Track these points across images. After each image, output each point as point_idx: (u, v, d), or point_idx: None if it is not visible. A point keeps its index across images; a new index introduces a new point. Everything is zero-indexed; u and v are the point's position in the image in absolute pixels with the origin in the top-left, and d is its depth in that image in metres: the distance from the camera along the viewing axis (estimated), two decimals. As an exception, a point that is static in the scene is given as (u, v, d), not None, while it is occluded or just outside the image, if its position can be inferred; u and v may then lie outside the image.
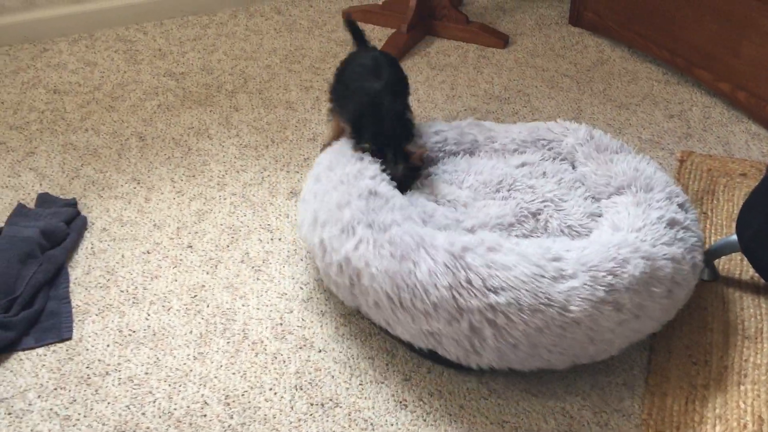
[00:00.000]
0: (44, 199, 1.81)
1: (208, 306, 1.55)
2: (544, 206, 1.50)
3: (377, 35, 2.57)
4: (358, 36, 1.84)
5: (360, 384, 1.40)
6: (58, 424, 1.32)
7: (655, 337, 1.47)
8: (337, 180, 1.48)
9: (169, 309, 1.55)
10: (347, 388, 1.39)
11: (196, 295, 1.58)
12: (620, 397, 1.37)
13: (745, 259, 1.61)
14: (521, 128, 1.72)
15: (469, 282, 1.26)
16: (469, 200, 1.53)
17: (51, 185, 1.88)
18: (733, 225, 1.70)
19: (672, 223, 1.41)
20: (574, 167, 1.64)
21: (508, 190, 1.56)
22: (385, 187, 1.46)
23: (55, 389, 1.39)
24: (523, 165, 1.63)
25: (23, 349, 1.46)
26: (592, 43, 2.52)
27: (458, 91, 2.28)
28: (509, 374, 1.41)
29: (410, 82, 2.29)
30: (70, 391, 1.38)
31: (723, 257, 1.62)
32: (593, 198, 1.55)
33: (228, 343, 1.48)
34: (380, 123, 1.54)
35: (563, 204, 1.51)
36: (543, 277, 1.26)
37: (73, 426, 1.32)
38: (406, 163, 1.54)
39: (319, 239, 1.42)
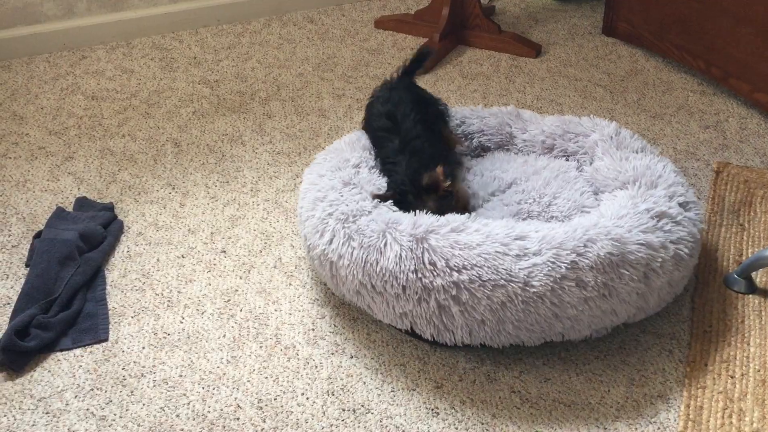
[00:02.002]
0: (82, 203, 1.84)
1: (241, 310, 1.57)
2: (530, 198, 1.60)
3: (410, 44, 2.58)
4: (415, 66, 1.81)
5: (392, 390, 1.40)
6: (94, 424, 1.34)
7: (690, 349, 1.46)
8: (316, 175, 1.59)
9: (203, 313, 1.57)
10: (379, 395, 1.40)
11: (229, 300, 1.60)
12: (656, 409, 1.36)
13: (784, 271, 1.59)
14: (554, 120, 1.79)
15: (433, 264, 1.34)
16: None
17: (89, 189, 1.92)
18: (771, 237, 1.68)
19: (660, 216, 1.44)
20: (580, 168, 1.70)
21: (503, 191, 1.66)
22: (364, 176, 1.56)
23: (92, 390, 1.41)
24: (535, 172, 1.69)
25: (61, 350, 1.48)
26: (626, 53, 2.50)
27: (490, 100, 2.28)
28: (542, 383, 1.41)
29: (442, 90, 2.32)
30: (106, 391, 1.40)
31: (760, 270, 1.60)
32: (594, 192, 1.61)
33: (261, 347, 1.49)
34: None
35: (551, 198, 1.59)
36: (506, 254, 1.34)
37: (109, 426, 1.34)
38: (433, 198, 1.50)
39: (303, 236, 1.53)
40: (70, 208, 1.83)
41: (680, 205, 1.48)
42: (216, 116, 2.22)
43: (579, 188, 1.61)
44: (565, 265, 1.33)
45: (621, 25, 2.55)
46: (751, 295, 1.57)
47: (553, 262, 1.33)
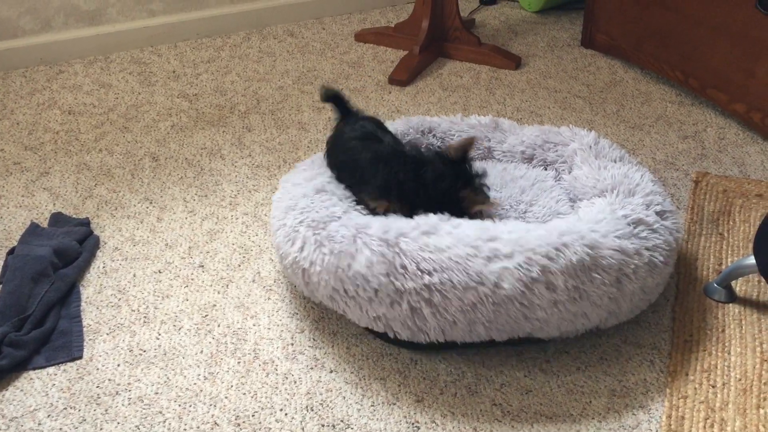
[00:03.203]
0: (57, 219, 1.82)
1: (218, 326, 1.54)
2: (507, 205, 1.61)
3: (390, 57, 2.58)
4: (342, 106, 1.70)
5: (372, 405, 1.38)
6: (67, 443, 1.31)
7: (671, 359, 1.45)
8: (290, 184, 1.59)
9: (179, 329, 1.54)
10: (359, 410, 1.38)
11: (207, 315, 1.57)
12: (637, 420, 1.35)
13: (763, 280, 1.59)
14: (534, 130, 1.79)
15: (404, 267, 1.35)
16: None
17: (64, 205, 1.89)
18: (750, 246, 1.68)
19: (637, 223, 1.45)
20: (558, 177, 1.71)
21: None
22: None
23: (65, 409, 1.38)
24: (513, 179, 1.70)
25: (34, 368, 1.45)
26: (605, 65, 2.51)
27: (471, 112, 2.28)
28: (523, 395, 1.39)
29: (423, 102, 2.32)
30: (80, 410, 1.37)
31: (740, 279, 1.60)
32: (571, 200, 1.61)
33: (239, 363, 1.47)
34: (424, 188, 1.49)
35: (527, 206, 1.60)
36: (476, 256, 1.34)
37: (82, 446, 1.31)
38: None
39: (276, 245, 1.53)
40: (45, 224, 1.81)
41: (657, 213, 1.49)
42: (195, 130, 2.20)
43: (555, 196, 1.62)
44: (537, 269, 1.33)
45: (599, 37, 2.57)
46: (731, 304, 1.57)
47: (524, 266, 1.33)
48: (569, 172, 1.68)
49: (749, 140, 2.11)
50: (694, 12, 2.20)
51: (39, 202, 1.90)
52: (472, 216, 1.49)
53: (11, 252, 1.68)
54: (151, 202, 1.90)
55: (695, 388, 1.39)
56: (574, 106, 2.29)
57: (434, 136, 1.82)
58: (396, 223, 1.41)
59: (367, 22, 2.86)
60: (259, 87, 2.42)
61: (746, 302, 1.57)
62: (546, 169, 1.74)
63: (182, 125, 2.22)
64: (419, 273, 1.34)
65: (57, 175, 2.00)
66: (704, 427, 1.32)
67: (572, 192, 1.63)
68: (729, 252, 1.70)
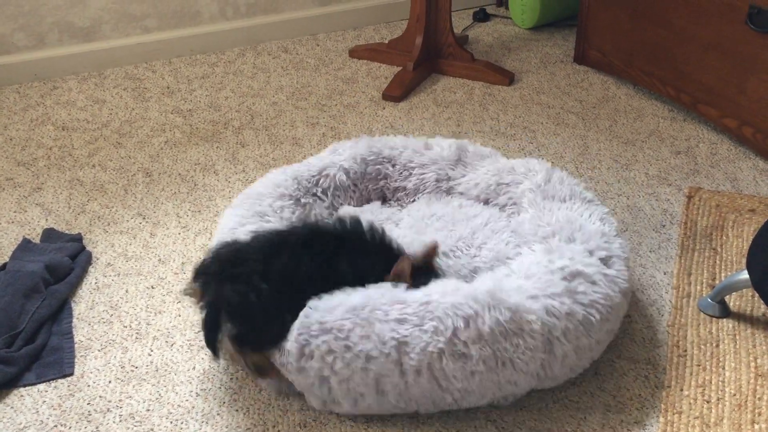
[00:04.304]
0: (49, 234, 1.81)
1: (211, 342, 1.53)
2: (456, 248, 1.55)
3: (384, 73, 2.59)
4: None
5: (365, 422, 1.37)
6: (57, 461, 1.30)
7: (665, 374, 1.45)
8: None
9: (172, 345, 1.53)
10: (352, 426, 1.36)
11: (199, 331, 1.56)
12: (632, 436, 1.34)
13: (757, 295, 1.59)
14: (490, 169, 1.72)
15: (307, 327, 1.28)
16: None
17: (57, 221, 1.88)
18: (743, 261, 1.69)
19: (574, 275, 1.37)
20: (509, 219, 1.66)
21: (437, 230, 1.60)
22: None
23: (56, 426, 1.36)
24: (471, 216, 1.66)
25: (24, 385, 1.44)
26: (597, 81, 2.53)
27: (464, 127, 2.29)
28: (518, 411, 1.38)
29: (416, 119, 2.33)
30: (70, 428, 1.36)
31: (734, 294, 1.60)
32: (518, 245, 1.55)
33: (231, 379, 1.45)
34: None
35: (477, 250, 1.54)
36: (384, 321, 1.26)
37: (73, 464, 1.29)
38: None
39: None
40: (37, 240, 1.80)
41: (601, 260, 1.42)
42: (188, 145, 2.20)
43: (505, 238, 1.56)
44: (444, 339, 1.25)
45: (592, 53, 2.58)
46: (725, 319, 1.57)
47: (431, 335, 1.25)
48: (518, 215, 1.63)
49: (741, 155, 2.12)
50: (684, 28, 2.22)
51: (31, 217, 1.89)
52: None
53: (2, 268, 1.67)
54: (144, 218, 1.90)
55: (690, 404, 1.39)
56: (567, 122, 2.30)
57: (393, 165, 1.76)
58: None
59: (361, 38, 2.87)
60: (253, 103, 2.42)
61: (740, 317, 1.57)
62: (502, 210, 1.69)
63: (176, 141, 2.22)
64: (323, 334, 1.26)
65: (50, 191, 2.00)
66: (699, 442, 1.31)
67: (518, 237, 1.57)
68: (722, 267, 1.71)
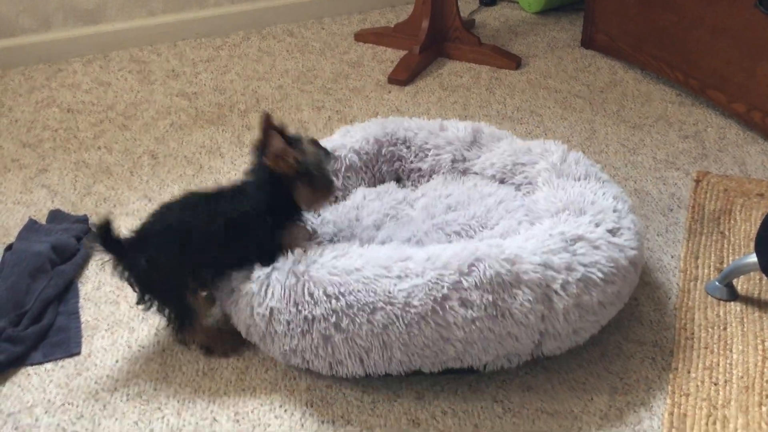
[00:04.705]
0: (55, 216, 1.81)
1: (217, 321, 1.53)
2: (468, 227, 1.55)
3: (390, 57, 2.58)
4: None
5: (372, 401, 1.37)
6: (64, 439, 1.30)
7: (673, 356, 1.44)
8: None
9: (178, 325, 1.53)
10: (358, 406, 1.37)
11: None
12: (639, 417, 1.34)
13: (764, 278, 1.59)
14: (506, 149, 1.72)
15: (311, 294, 1.31)
16: (408, 220, 1.60)
17: (63, 202, 1.88)
18: (751, 245, 1.68)
19: (576, 239, 1.39)
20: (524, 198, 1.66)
21: (450, 210, 1.61)
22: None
23: (63, 405, 1.36)
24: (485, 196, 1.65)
25: (31, 364, 1.44)
26: (605, 65, 2.51)
27: (470, 111, 2.28)
28: (524, 392, 1.38)
29: (423, 102, 2.31)
30: (77, 406, 1.36)
31: (742, 277, 1.60)
32: (530, 222, 1.55)
33: (238, 359, 1.45)
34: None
35: (490, 231, 1.54)
36: (386, 276, 1.31)
37: (80, 442, 1.30)
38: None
39: None
40: (43, 221, 1.79)
41: (608, 231, 1.42)
42: (194, 128, 2.19)
43: (518, 217, 1.56)
44: (447, 284, 1.29)
45: (599, 37, 2.57)
46: (732, 302, 1.56)
47: (435, 282, 1.29)
48: (533, 194, 1.63)
49: (750, 140, 2.11)
50: (693, 12, 2.20)
51: (37, 198, 1.89)
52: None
53: (9, 248, 1.67)
54: (150, 200, 1.89)
55: (697, 386, 1.38)
56: (575, 106, 2.29)
57: (408, 147, 1.77)
58: (311, 251, 1.37)
59: (366, 22, 2.86)
60: (258, 86, 2.41)
61: (748, 300, 1.56)
62: (518, 189, 1.69)
63: (181, 123, 2.21)
64: (325, 298, 1.30)
65: (55, 173, 1.99)
66: (706, 424, 1.31)
67: (531, 215, 1.57)
68: (730, 250, 1.70)
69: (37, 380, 1.41)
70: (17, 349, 1.43)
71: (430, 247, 1.39)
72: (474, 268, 1.30)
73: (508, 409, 1.36)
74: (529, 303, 1.31)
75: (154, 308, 1.39)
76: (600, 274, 1.36)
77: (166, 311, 1.39)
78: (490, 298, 1.29)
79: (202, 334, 1.43)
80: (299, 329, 1.32)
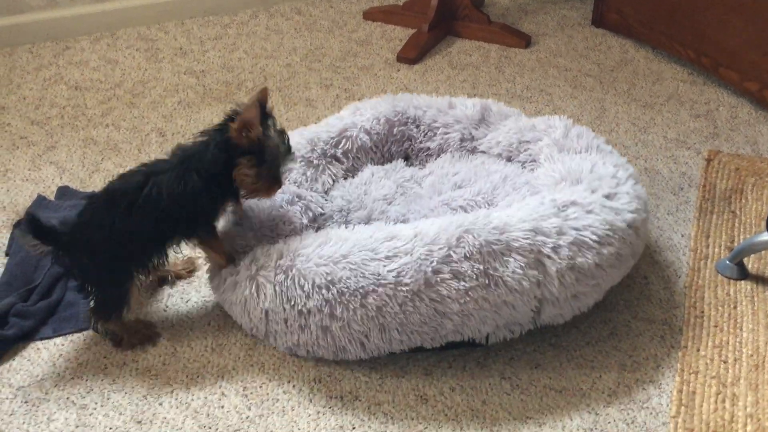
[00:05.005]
0: (64, 192, 1.81)
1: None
2: (474, 203, 1.54)
3: (398, 35, 2.56)
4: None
5: (380, 377, 1.37)
6: (74, 412, 1.31)
7: (682, 335, 1.44)
8: None
9: (187, 301, 1.53)
10: (366, 382, 1.37)
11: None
12: (648, 394, 1.34)
13: (776, 257, 1.58)
14: (512, 127, 1.71)
15: (302, 287, 1.30)
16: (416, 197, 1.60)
17: (71, 179, 1.88)
18: (762, 224, 1.66)
19: (568, 204, 1.38)
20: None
21: (457, 187, 1.60)
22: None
23: (72, 378, 1.37)
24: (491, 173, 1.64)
25: (41, 339, 1.45)
26: (616, 44, 2.49)
27: (480, 90, 2.26)
28: (532, 369, 1.38)
29: (431, 81, 2.30)
30: (87, 380, 1.37)
31: (752, 256, 1.58)
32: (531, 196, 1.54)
33: (246, 335, 1.46)
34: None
35: (491, 206, 1.53)
36: (374, 259, 1.30)
37: (90, 415, 1.30)
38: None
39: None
40: (52, 198, 1.80)
41: (605, 196, 1.41)
42: (202, 106, 2.19)
43: (523, 193, 1.55)
44: (437, 259, 1.29)
45: (611, 15, 2.54)
46: (743, 281, 1.55)
47: (425, 258, 1.29)
48: (535, 170, 1.62)
49: (762, 119, 2.09)
50: (707, -10, 2.17)
51: (46, 175, 1.89)
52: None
53: (18, 225, 1.68)
54: (158, 177, 1.89)
55: (707, 364, 1.38)
56: (585, 85, 2.27)
57: (417, 126, 1.76)
58: (294, 245, 1.36)
59: (375, 0, 2.83)
60: (266, 64, 2.40)
61: (758, 279, 1.55)
62: (524, 167, 1.68)
63: (189, 101, 2.21)
64: (317, 290, 1.29)
65: (64, 150, 1.99)
66: (715, 402, 1.31)
67: (533, 190, 1.56)
68: (741, 229, 1.68)
69: (47, 354, 1.42)
70: (27, 324, 1.44)
71: (417, 222, 1.39)
72: (462, 240, 1.31)
73: (516, 385, 1.36)
74: (521, 269, 1.31)
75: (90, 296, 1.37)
76: (594, 237, 1.36)
77: (97, 299, 1.36)
78: (481, 268, 1.30)
79: (116, 324, 1.39)
80: (297, 324, 1.32)
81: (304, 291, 1.31)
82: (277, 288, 1.32)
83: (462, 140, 1.74)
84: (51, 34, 2.52)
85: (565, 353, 1.42)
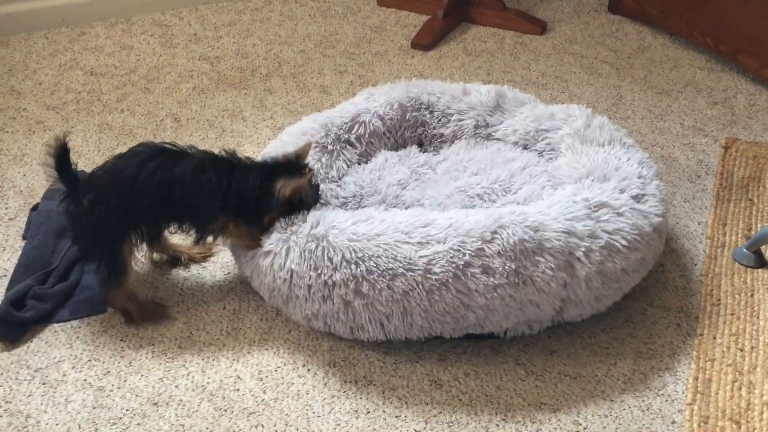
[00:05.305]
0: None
1: (241, 283, 1.54)
2: (491, 191, 1.53)
3: (413, 21, 2.54)
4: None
5: (394, 362, 1.38)
6: (92, 394, 1.32)
7: (698, 322, 1.43)
8: None
9: (202, 285, 1.54)
10: (381, 367, 1.37)
11: (229, 272, 1.57)
12: (663, 381, 1.33)
13: (794, 245, 1.56)
14: (529, 114, 1.69)
15: (330, 259, 1.30)
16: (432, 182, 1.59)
17: (87, 164, 1.89)
18: (781, 212, 1.65)
19: (600, 206, 1.37)
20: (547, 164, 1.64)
21: (473, 174, 1.59)
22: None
23: (89, 361, 1.38)
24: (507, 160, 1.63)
25: (58, 321, 1.46)
26: (633, 31, 2.46)
27: (495, 77, 2.25)
28: (547, 356, 1.38)
29: (446, 68, 2.29)
30: (104, 362, 1.38)
31: (770, 244, 1.57)
32: (553, 187, 1.53)
33: (261, 319, 1.46)
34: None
35: (513, 195, 1.52)
36: (407, 243, 1.29)
37: (107, 396, 1.32)
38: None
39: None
40: (68, 182, 1.80)
41: (633, 197, 1.40)
42: (216, 92, 2.19)
43: (542, 182, 1.54)
44: (470, 251, 1.28)
45: (627, 2, 2.51)
46: (760, 269, 1.54)
47: (457, 249, 1.28)
48: (555, 160, 1.61)
49: (780, 107, 2.07)
50: (726, -25, 2.15)
51: (62, 160, 1.90)
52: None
53: (35, 208, 1.69)
54: (173, 162, 1.90)
55: (723, 351, 1.37)
56: (601, 72, 2.25)
57: (431, 112, 1.75)
58: (329, 215, 1.37)
59: (389, -14, 2.81)
60: (280, 50, 2.40)
61: (776, 267, 1.54)
62: (540, 155, 1.66)
63: (203, 87, 2.21)
64: (345, 263, 1.29)
65: (79, 135, 2.00)
66: (731, 389, 1.30)
67: (553, 180, 1.55)
68: (759, 217, 1.67)
69: (64, 337, 1.43)
70: (44, 306, 1.45)
71: (452, 211, 1.38)
72: (497, 235, 1.29)
73: (531, 372, 1.36)
74: (551, 270, 1.30)
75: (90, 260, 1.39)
76: (624, 242, 1.34)
77: (100, 266, 1.38)
78: (513, 266, 1.28)
79: (125, 297, 1.41)
80: (320, 294, 1.32)
81: (332, 263, 1.30)
82: (306, 254, 1.32)
83: (476, 127, 1.73)
84: (66, 19, 2.52)
85: (580, 340, 1.41)
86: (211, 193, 1.33)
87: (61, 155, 1.34)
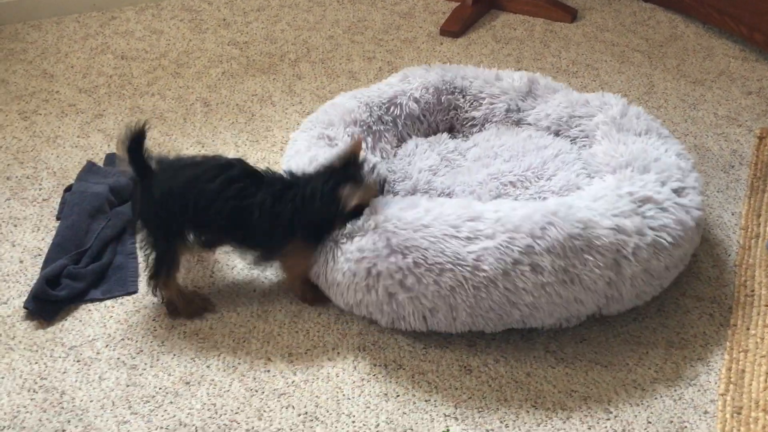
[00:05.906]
0: (112, 160, 1.83)
1: (272, 266, 1.55)
2: (524, 178, 1.52)
3: (441, 8, 2.53)
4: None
5: (424, 347, 1.38)
6: (125, 372, 1.34)
7: (732, 313, 1.42)
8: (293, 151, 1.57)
9: (233, 268, 1.55)
10: (410, 351, 1.37)
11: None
12: (696, 372, 1.32)
13: (831, 237, 1.54)
14: (562, 101, 1.68)
15: (374, 243, 1.28)
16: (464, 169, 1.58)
17: (118, 146, 1.91)
18: (817, 203, 1.62)
19: (644, 200, 1.35)
20: (580, 152, 1.62)
21: (505, 161, 1.58)
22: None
23: (123, 339, 1.40)
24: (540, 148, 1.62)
25: (91, 300, 1.48)
26: (665, 19, 2.43)
27: (524, 64, 2.23)
28: (578, 343, 1.38)
29: (475, 55, 2.27)
30: (137, 341, 1.40)
31: (805, 235, 1.55)
32: (588, 175, 1.51)
33: (291, 302, 1.47)
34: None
35: (546, 181, 1.50)
36: (455, 237, 1.27)
37: (140, 375, 1.33)
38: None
39: None
40: (100, 165, 1.82)
41: (674, 191, 1.39)
42: (245, 77, 2.19)
43: (576, 169, 1.53)
44: (519, 249, 1.25)
45: (660, -10, 2.48)
46: (795, 261, 1.52)
47: (506, 246, 1.25)
48: (590, 147, 1.59)
49: (817, 97, 2.03)
50: (763, -37, 2.11)
51: (94, 143, 1.92)
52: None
53: (68, 189, 1.71)
54: (203, 146, 1.91)
55: (757, 343, 1.36)
56: (632, 60, 2.23)
57: (464, 96, 1.74)
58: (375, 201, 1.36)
59: (418, -27, 2.80)
60: (309, 36, 2.40)
61: (812, 259, 1.52)
62: (573, 142, 1.65)
63: (233, 72, 2.22)
64: (392, 252, 1.27)
65: (111, 118, 2.02)
66: (765, 380, 1.29)
67: (589, 168, 1.54)
68: (794, 209, 1.65)
69: (98, 316, 1.45)
70: (78, 285, 1.47)
71: (499, 204, 1.35)
72: (546, 231, 1.27)
73: (561, 359, 1.35)
74: (599, 269, 1.28)
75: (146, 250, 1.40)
76: (669, 239, 1.33)
77: (151, 253, 1.38)
78: (562, 264, 1.26)
79: (173, 290, 1.42)
80: (364, 283, 1.30)
81: (380, 250, 1.28)
82: (355, 240, 1.31)
83: (508, 111, 1.73)
84: (97, 4, 2.54)
85: (611, 328, 1.41)
86: (289, 222, 1.34)
87: (136, 143, 1.34)
